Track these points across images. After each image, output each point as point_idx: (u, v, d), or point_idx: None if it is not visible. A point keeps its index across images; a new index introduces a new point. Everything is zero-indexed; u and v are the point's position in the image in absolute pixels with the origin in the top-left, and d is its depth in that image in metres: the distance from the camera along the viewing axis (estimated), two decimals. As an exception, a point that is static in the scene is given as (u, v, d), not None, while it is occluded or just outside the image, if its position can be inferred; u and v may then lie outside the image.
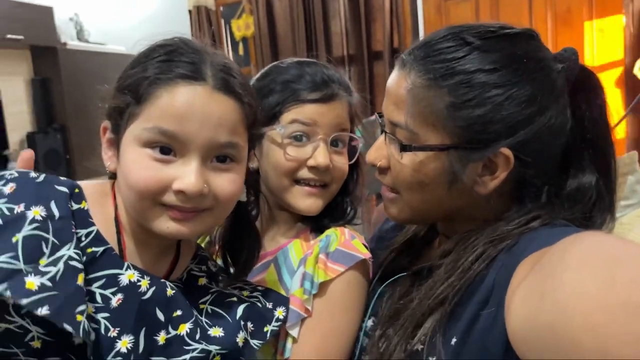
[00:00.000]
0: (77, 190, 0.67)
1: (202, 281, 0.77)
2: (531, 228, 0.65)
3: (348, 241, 0.82)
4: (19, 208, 0.60)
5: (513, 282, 0.56)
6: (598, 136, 0.69)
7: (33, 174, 0.65)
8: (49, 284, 0.58)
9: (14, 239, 0.58)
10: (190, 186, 0.62)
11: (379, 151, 0.76)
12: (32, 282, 0.57)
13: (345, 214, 0.90)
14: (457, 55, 0.67)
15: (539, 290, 0.50)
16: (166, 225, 0.65)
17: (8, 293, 0.55)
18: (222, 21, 4.54)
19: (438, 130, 0.67)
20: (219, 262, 0.83)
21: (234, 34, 4.31)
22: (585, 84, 0.69)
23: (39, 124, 4.13)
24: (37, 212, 0.61)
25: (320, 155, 0.83)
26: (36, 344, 0.62)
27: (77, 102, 3.81)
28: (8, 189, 0.62)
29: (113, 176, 0.72)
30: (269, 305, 0.79)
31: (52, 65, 4.05)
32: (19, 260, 0.57)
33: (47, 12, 4.08)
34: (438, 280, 0.67)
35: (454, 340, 0.62)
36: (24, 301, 0.55)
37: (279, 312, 0.78)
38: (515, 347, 0.53)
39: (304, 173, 0.84)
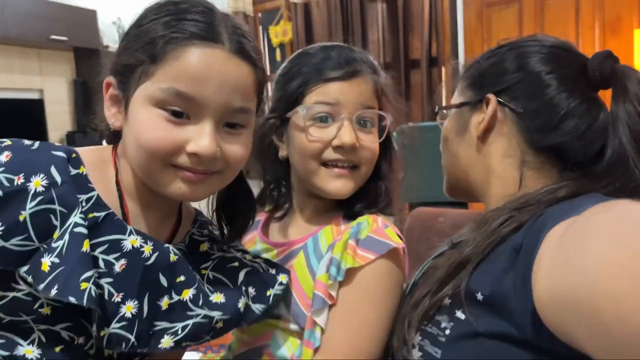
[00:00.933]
0: (74, 155, 0.66)
1: (204, 247, 0.76)
2: (559, 197, 0.65)
3: (380, 229, 0.78)
4: (18, 179, 0.59)
5: (541, 250, 0.56)
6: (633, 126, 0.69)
7: (27, 142, 0.64)
8: (57, 260, 0.58)
9: (20, 217, 0.58)
10: (205, 149, 0.62)
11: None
12: (46, 262, 0.58)
13: (379, 201, 0.85)
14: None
15: (564, 258, 0.51)
16: (178, 186, 0.64)
17: (30, 278, 0.56)
18: (260, 27, 4.57)
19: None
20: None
21: (271, 40, 4.33)
22: (616, 81, 0.70)
23: (78, 124, 4.22)
24: (38, 182, 0.60)
25: (345, 134, 0.79)
26: (46, 310, 0.62)
27: (116, 104, 3.89)
28: (4, 157, 0.60)
29: (111, 141, 0.71)
30: (272, 271, 0.78)
31: (93, 67, 4.16)
32: (33, 240, 0.58)
33: (91, 15, 4.18)
34: (466, 241, 0.68)
35: (479, 295, 0.62)
36: (40, 287, 0.56)
37: (282, 277, 0.78)
38: (540, 314, 0.53)
39: (330, 154, 0.80)
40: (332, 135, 0.80)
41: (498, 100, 0.74)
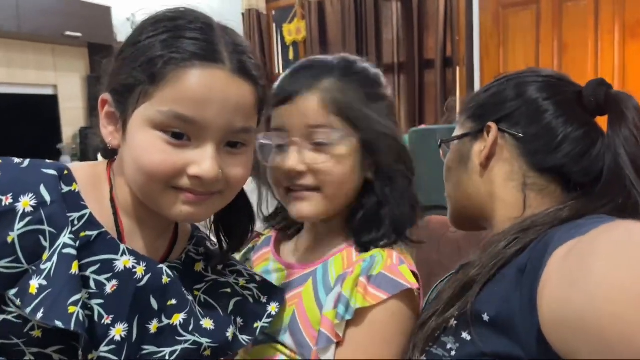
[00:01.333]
0: (66, 173, 0.64)
1: (199, 267, 0.75)
2: (563, 218, 0.66)
3: (395, 266, 0.74)
4: (6, 200, 0.57)
5: (546, 270, 0.56)
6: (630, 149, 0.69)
7: (17, 160, 0.62)
8: (44, 282, 0.57)
9: (8, 239, 0.56)
10: (207, 172, 0.61)
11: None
12: (34, 285, 0.56)
13: (385, 232, 0.78)
14: None
15: (569, 279, 0.51)
16: (179, 209, 0.63)
17: (18, 301, 0.55)
18: (274, 25, 4.55)
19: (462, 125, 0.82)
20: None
21: (284, 38, 4.31)
22: (611, 107, 0.72)
23: (92, 120, 4.25)
24: (26, 202, 0.58)
25: (287, 160, 0.77)
26: (37, 333, 0.60)
27: (129, 100, 3.90)
28: None
29: (107, 156, 0.70)
30: (263, 300, 0.77)
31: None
32: (22, 262, 0.57)
33: (106, 11, 4.20)
34: (472, 263, 0.68)
35: (485, 317, 0.62)
36: (27, 310, 0.55)
37: (272, 308, 0.76)
38: (546, 335, 0.53)
39: (285, 181, 0.79)
40: (284, 161, 0.77)
41: (498, 128, 0.76)
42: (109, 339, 0.62)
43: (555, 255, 0.56)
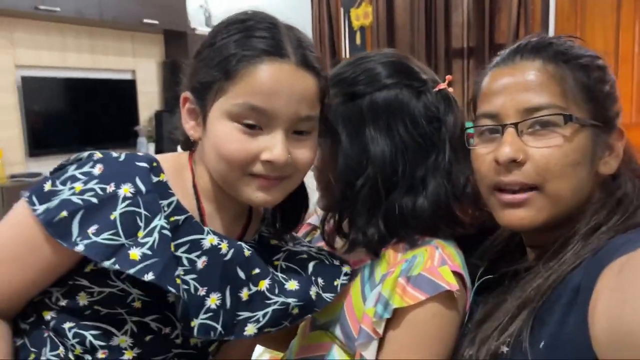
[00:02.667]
0: (154, 164, 0.72)
1: (274, 241, 0.82)
2: (619, 231, 0.64)
3: (434, 267, 0.73)
4: (110, 188, 0.66)
5: (598, 287, 0.55)
6: None
7: (114, 154, 0.71)
8: (149, 252, 0.64)
9: (111, 217, 0.65)
10: (278, 156, 0.67)
11: (514, 145, 0.69)
12: (135, 253, 0.64)
13: (414, 224, 0.77)
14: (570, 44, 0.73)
15: (620, 297, 0.50)
16: (255, 194, 0.70)
17: (117, 266, 0.63)
18: (342, 10, 4.56)
19: (579, 107, 0.69)
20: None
21: (352, 23, 4.31)
22: None
23: (166, 104, 4.45)
24: (126, 189, 0.67)
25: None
26: (137, 304, 0.69)
27: (201, 85, 4.06)
28: (97, 170, 0.68)
29: (185, 147, 0.77)
30: (336, 262, 0.82)
31: (182, 49, 4.34)
32: (120, 236, 0.64)
33: (180, 0, 4.36)
34: (526, 283, 0.67)
35: (542, 344, 0.61)
36: (131, 270, 0.63)
37: (346, 268, 0.81)
38: (597, 353, 0.53)
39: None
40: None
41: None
42: (205, 307, 0.70)
43: (607, 271, 0.56)
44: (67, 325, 0.69)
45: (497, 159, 0.70)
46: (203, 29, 4.44)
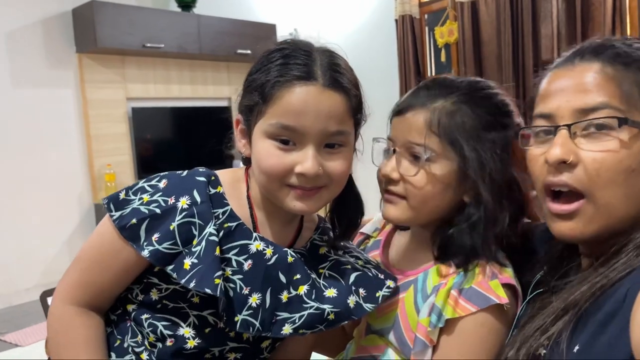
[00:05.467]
0: (213, 178, 0.82)
1: (323, 250, 0.89)
2: None
3: (485, 281, 0.78)
4: (171, 200, 0.77)
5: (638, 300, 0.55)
6: None
7: (179, 172, 0.82)
8: (196, 261, 0.75)
9: (171, 227, 0.76)
10: (308, 169, 0.74)
11: (566, 146, 0.68)
12: (187, 262, 0.75)
13: (464, 256, 0.81)
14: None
15: None
16: (293, 204, 0.78)
17: (174, 274, 0.74)
18: (426, 29, 4.59)
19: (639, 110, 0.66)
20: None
21: (436, 40, 4.33)
22: None
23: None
24: (184, 202, 0.77)
25: (386, 165, 0.86)
26: (196, 299, 0.79)
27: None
28: (162, 184, 0.80)
29: (246, 162, 0.85)
30: (381, 276, 0.87)
31: (272, 75, 4.57)
32: (178, 245, 0.76)
33: (271, 29, 4.62)
34: (572, 287, 0.67)
35: (576, 348, 0.61)
36: (182, 281, 0.74)
37: (390, 282, 0.86)
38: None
39: (384, 183, 0.87)
40: (383, 166, 0.86)
41: None
42: (247, 305, 0.78)
43: None
44: (144, 316, 0.81)
45: (546, 160, 0.69)
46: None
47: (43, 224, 3.79)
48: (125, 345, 0.82)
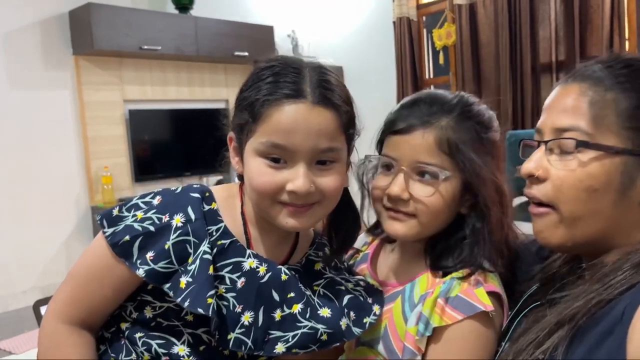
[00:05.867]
0: (207, 194, 0.82)
1: (318, 266, 0.88)
2: None
3: (471, 289, 0.79)
4: (165, 218, 0.77)
5: (637, 314, 0.56)
6: None
7: (173, 188, 0.83)
8: (190, 280, 0.74)
9: (165, 246, 0.75)
10: (299, 187, 0.74)
11: (538, 162, 0.74)
12: (183, 281, 0.74)
13: (468, 257, 0.83)
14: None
15: None
16: (285, 220, 0.77)
17: (171, 293, 0.74)
18: (424, 31, 4.59)
19: (613, 133, 0.69)
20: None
21: (434, 43, 4.33)
22: None
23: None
24: (178, 219, 0.77)
25: (393, 185, 0.84)
26: (190, 317, 0.78)
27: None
28: (156, 201, 0.79)
29: (241, 178, 0.84)
30: (369, 300, 0.87)
31: (270, 77, 4.56)
32: (174, 264, 0.75)
33: (268, 30, 4.61)
34: (568, 301, 0.67)
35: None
36: (178, 299, 0.73)
37: (376, 309, 0.87)
38: None
39: (386, 201, 0.87)
40: (388, 184, 0.85)
41: None
42: (240, 323, 0.77)
43: None
44: (137, 335, 0.80)
45: (519, 171, 0.75)
46: (290, 58, 4.65)
47: (40, 225, 3.78)
48: None
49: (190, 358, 0.79)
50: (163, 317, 0.79)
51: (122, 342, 0.81)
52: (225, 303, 0.77)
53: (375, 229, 1.01)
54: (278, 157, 0.75)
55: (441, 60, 4.29)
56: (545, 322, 0.68)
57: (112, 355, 0.81)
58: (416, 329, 0.80)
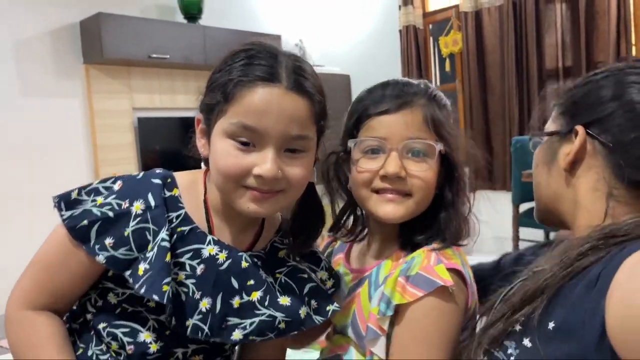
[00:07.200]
0: (169, 180, 0.81)
1: (282, 253, 0.88)
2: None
3: (430, 266, 0.79)
4: (125, 204, 0.76)
5: (617, 276, 0.57)
6: None
7: (134, 173, 0.81)
8: (148, 267, 0.74)
9: (125, 233, 0.75)
10: (267, 171, 0.72)
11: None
12: (141, 268, 0.74)
13: (441, 231, 0.85)
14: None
15: (634, 287, 0.53)
16: (247, 205, 0.76)
17: (131, 280, 0.74)
18: (431, 39, 4.61)
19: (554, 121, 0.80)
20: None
21: (441, 51, 4.35)
22: None
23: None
24: (138, 206, 0.76)
25: (389, 164, 0.83)
26: (152, 304, 0.78)
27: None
28: (117, 186, 0.79)
29: (206, 164, 0.84)
30: (332, 289, 0.89)
31: (277, 86, 4.59)
32: (133, 251, 0.75)
33: (276, 39, 4.64)
34: (544, 270, 0.68)
35: (551, 324, 0.62)
36: (136, 286, 0.73)
37: (332, 305, 0.87)
38: (611, 341, 0.55)
39: (378, 183, 0.85)
40: (380, 165, 0.84)
41: (587, 132, 0.72)
42: (198, 310, 0.77)
43: (626, 263, 0.58)
44: (101, 325, 0.80)
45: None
46: (297, 66, 4.68)
47: (49, 232, 3.80)
48: (90, 353, 0.80)
49: (158, 343, 0.79)
50: (127, 302, 0.79)
51: (92, 332, 0.81)
52: (185, 289, 0.77)
53: (338, 230, 1.00)
54: (247, 140, 0.73)
55: (447, 68, 4.31)
56: (515, 297, 0.69)
57: (82, 346, 0.81)
58: (378, 308, 0.80)
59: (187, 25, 4.27)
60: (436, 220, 0.86)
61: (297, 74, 0.75)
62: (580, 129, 0.72)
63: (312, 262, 0.92)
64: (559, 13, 3.78)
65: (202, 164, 0.86)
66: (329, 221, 0.96)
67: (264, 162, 0.73)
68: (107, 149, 4.03)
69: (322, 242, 1.07)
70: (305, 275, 0.87)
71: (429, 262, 0.80)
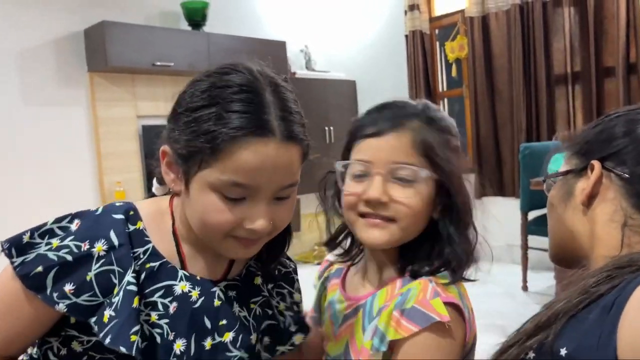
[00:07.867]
0: (132, 213, 0.74)
1: (258, 280, 0.84)
2: None
3: (426, 300, 0.75)
4: (85, 246, 0.69)
5: (630, 301, 0.57)
6: None
7: (93, 209, 0.74)
8: (113, 314, 0.68)
9: (87, 277, 0.68)
10: (261, 227, 0.70)
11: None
12: (107, 315, 0.68)
13: (443, 263, 0.81)
14: None
15: None
16: (235, 252, 0.73)
17: (96, 327, 0.68)
18: (437, 44, 4.58)
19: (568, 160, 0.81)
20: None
21: (447, 56, 4.32)
22: None
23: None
24: (100, 247, 0.70)
25: (372, 189, 0.80)
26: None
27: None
28: (74, 225, 0.72)
29: (167, 189, 0.79)
30: (292, 329, 0.85)
31: (282, 92, 4.57)
32: (98, 296, 0.69)
33: (281, 46, 4.62)
34: (559, 298, 0.68)
35: (563, 351, 0.62)
36: (100, 335, 0.67)
37: (297, 338, 0.86)
38: None
39: (362, 207, 0.82)
40: (364, 189, 0.81)
41: (603, 166, 0.75)
42: (173, 352, 0.73)
43: (639, 289, 0.58)
44: None
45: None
46: (303, 72, 4.66)
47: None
48: None
49: None
50: (95, 350, 0.72)
51: None
52: (159, 330, 0.72)
53: (333, 248, 0.96)
54: (236, 197, 0.69)
55: (454, 73, 4.27)
56: (529, 324, 0.68)
57: None
58: (371, 343, 0.77)
59: (191, 32, 4.26)
60: (434, 250, 0.83)
61: (287, 120, 0.69)
62: (596, 163, 0.75)
63: (287, 283, 0.89)
64: (567, 17, 3.74)
65: (156, 183, 0.82)
66: (324, 237, 0.95)
67: (257, 217, 0.70)
68: (111, 157, 4.01)
69: (321, 263, 1.05)
70: (270, 312, 0.84)
71: (425, 295, 0.76)
